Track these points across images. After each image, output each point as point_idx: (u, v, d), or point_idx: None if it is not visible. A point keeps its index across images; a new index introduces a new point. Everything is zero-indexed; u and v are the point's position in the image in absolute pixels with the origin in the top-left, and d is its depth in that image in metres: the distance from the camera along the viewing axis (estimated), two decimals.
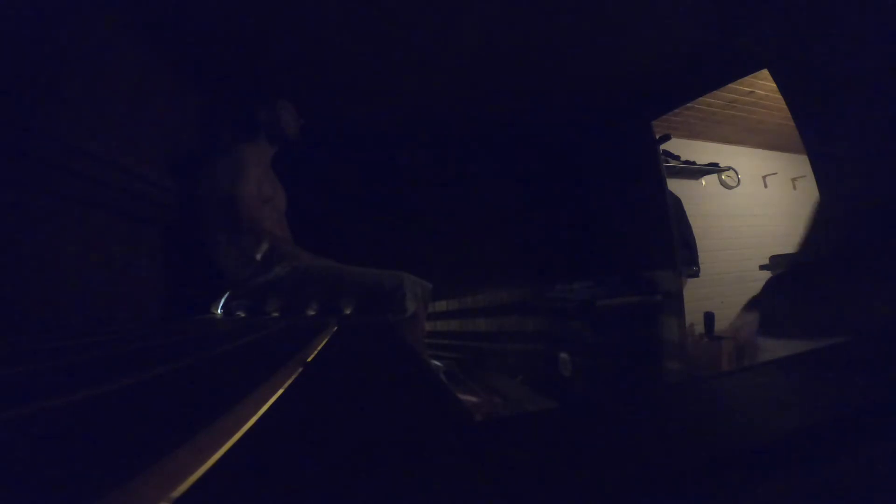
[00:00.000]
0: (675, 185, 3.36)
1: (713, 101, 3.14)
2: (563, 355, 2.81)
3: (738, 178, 3.97)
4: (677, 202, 3.18)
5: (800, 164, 3.91)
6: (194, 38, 1.73)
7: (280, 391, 0.47)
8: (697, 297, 3.27)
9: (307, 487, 0.26)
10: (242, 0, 1.57)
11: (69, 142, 1.23)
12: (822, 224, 1.90)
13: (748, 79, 2.58)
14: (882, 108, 1.58)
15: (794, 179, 4.20)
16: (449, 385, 2.32)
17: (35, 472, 0.24)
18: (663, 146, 2.86)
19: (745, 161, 4.05)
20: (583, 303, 2.64)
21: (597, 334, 2.58)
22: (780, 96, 2.09)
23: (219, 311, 1.69)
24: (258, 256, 1.69)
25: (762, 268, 3.51)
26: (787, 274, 1.52)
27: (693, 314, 2.90)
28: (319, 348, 0.81)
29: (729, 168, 3.92)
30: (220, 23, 1.66)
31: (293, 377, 0.55)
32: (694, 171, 3.79)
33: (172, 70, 1.83)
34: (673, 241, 2.64)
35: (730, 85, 2.61)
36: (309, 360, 0.68)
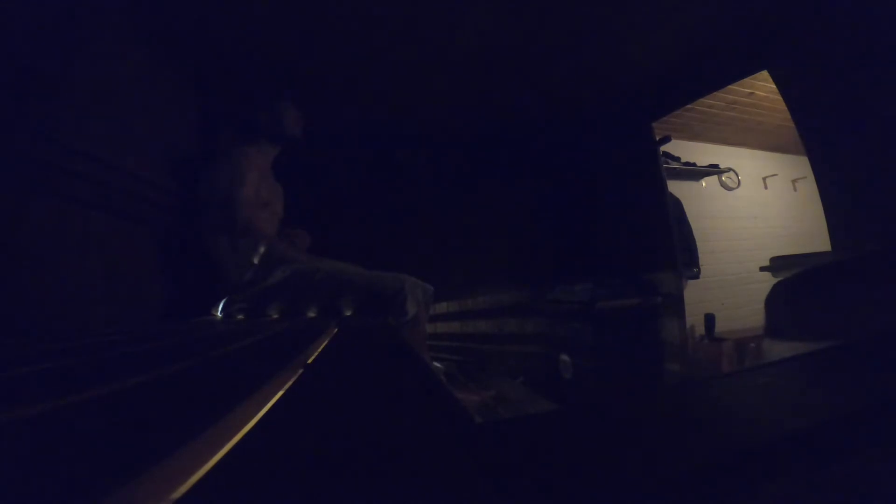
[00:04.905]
0: (676, 187, 3.36)
1: (713, 102, 3.14)
2: (564, 357, 2.81)
3: (739, 180, 3.97)
4: (678, 203, 3.18)
5: (800, 166, 3.91)
6: (195, 39, 1.73)
7: (280, 393, 0.47)
8: (698, 298, 3.27)
9: (308, 488, 0.26)
10: (244, 1, 1.57)
11: (69, 143, 1.23)
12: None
13: (748, 80, 2.59)
14: (882, 110, 1.58)
15: (794, 181, 4.20)
16: (450, 387, 2.32)
17: (36, 472, 0.24)
18: (663, 148, 2.86)
19: (746, 162, 4.05)
20: (583, 304, 2.63)
21: (597, 336, 2.58)
22: (780, 98, 2.09)
23: (219, 313, 1.69)
24: (257, 259, 1.69)
25: (763, 269, 3.51)
26: (791, 278, 1.53)
27: (693, 316, 2.90)
28: (320, 350, 0.81)
29: (729, 169, 3.92)
30: (221, 23, 1.67)
31: (294, 379, 0.55)
32: (694, 173, 3.79)
33: (173, 70, 1.84)
34: (673, 243, 2.64)
35: (730, 86, 2.61)
36: (309, 361, 0.68)
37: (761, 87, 2.95)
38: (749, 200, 4.00)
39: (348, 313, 1.66)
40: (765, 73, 2.17)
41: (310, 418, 0.41)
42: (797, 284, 1.50)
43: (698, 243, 3.30)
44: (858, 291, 1.12)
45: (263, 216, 1.80)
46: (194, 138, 1.99)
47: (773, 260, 3.51)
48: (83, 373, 0.59)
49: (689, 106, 2.92)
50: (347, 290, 1.68)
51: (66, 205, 1.23)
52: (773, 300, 1.42)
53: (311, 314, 1.67)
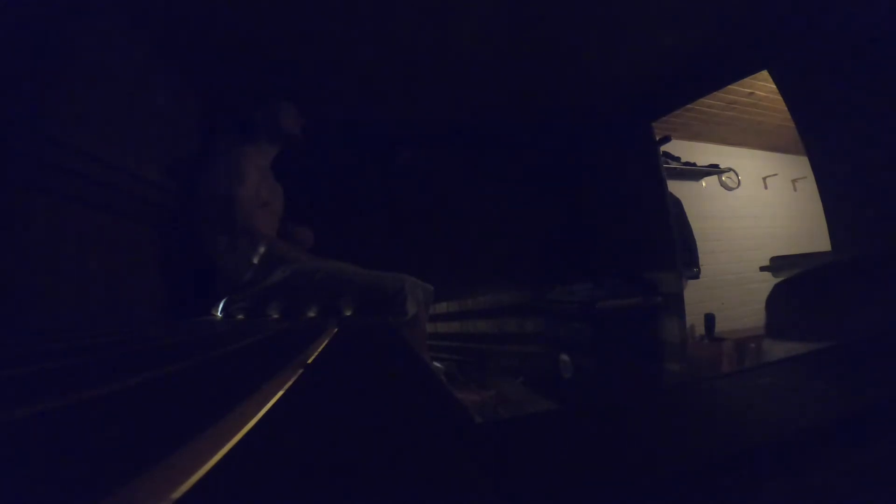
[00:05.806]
0: (676, 187, 3.36)
1: (713, 102, 3.14)
2: (564, 357, 2.80)
3: (739, 180, 3.97)
4: (678, 203, 3.18)
5: (800, 165, 3.90)
6: (195, 39, 1.73)
7: (280, 393, 0.47)
8: (698, 298, 3.27)
9: (308, 488, 0.26)
10: (244, 1, 1.57)
11: (68, 143, 1.23)
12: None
13: (748, 80, 2.59)
14: (882, 110, 1.58)
15: (794, 181, 4.20)
16: (450, 387, 2.32)
17: (36, 472, 0.24)
18: (664, 148, 2.87)
19: (746, 162, 4.05)
20: (583, 304, 2.63)
21: (597, 336, 2.58)
22: (781, 97, 2.09)
23: (219, 313, 1.68)
24: (257, 259, 1.69)
25: (763, 269, 3.51)
26: (791, 278, 1.53)
27: (693, 316, 2.90)
28: (320, 350, 0.81)
29: (729, 169, 3.92)
30: (221, 23, 1.67)
31: (294, 379, 0.55)
32: (694, 173, 3.79)
33: (173, 70, 1.84)
34: (673, 243, 2.64)
35: (730, 86, 2.61)
36: (309, 361, 0.68)
37: (761, 87, 2.95)
38: (749, 200, 4.00)
39: (348, 313, 1.66)
40: (765, 73, 2.17)
41: (310, 418, 0.41)
42: (797, 284, 1.49)
43: (698, 243, 3.30)
44: (858, 291, 1.12)
45: (263, 216, 1.80)
46: (194, 138, 1.99)
47: (773, 260, 3.51)
48: (83, 373, 0.59)
49: (689, 106, 2.91)
50: (347, 290, 1.67)
51: (66, 205, 1.23)
52: (773, 300, 1.41)
53: (311, 314, 1.67)
